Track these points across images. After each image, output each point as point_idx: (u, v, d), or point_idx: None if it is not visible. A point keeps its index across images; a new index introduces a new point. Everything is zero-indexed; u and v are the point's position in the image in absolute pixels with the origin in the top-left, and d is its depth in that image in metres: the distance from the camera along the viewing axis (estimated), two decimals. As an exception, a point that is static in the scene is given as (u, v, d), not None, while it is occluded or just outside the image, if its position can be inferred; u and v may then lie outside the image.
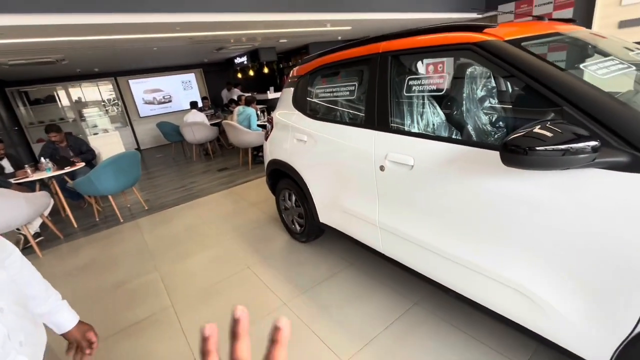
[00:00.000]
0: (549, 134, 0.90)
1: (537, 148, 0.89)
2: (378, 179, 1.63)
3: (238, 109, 5.30)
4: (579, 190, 0.96)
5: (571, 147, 0.87)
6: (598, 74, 1.13)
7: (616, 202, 0.90)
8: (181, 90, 9.36)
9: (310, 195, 2.22)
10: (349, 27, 5.55)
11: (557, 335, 1.12)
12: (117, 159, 3.54)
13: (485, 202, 1.19)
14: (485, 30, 1.28)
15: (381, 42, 1.65)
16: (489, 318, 1.36)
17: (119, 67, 7.50)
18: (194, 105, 6.69)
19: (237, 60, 8.65)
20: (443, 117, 1.54)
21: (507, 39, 1.22)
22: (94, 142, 5.42)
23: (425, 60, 1.56)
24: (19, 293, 0.78)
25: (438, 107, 1.55)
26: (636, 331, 0.92)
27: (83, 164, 3.99)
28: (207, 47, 6.28)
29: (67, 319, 0.93)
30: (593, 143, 0.88)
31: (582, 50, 1.42)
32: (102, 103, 8.48)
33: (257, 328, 1.81)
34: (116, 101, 8.55)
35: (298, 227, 2.62)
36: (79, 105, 8.20)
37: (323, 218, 2.20)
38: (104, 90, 8.45)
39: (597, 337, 1.01)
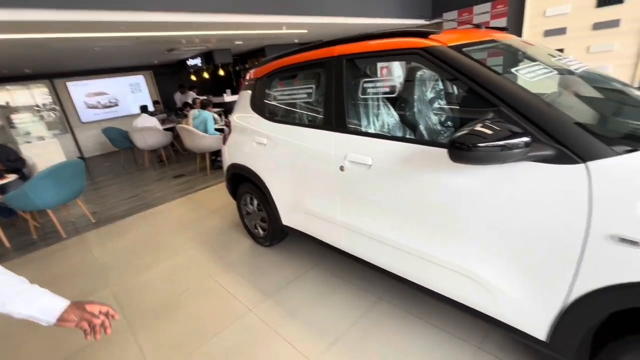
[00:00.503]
0: (489, 131, 0.99)
1: (479, 145, 0.97)
2: (338, 179, 1.67)
3: (193, 112, 5.09)
4: (515, 181, 1.07)
5: (508, 143, 0.97)
6: (527, 77, 1.26)
7: (545, 189, 1.01)
8: (129, 94, 8.77)
9: (272, 198, 2.20)
10: (305, 30, 5.59)
11: (504, 315, 1.23)
12: (57, 168, 3.23)
13: (436, 197, 1.28)
14: (431, 36, 1.37)
15: (336, 46, 1.69)
16: (446, 305, 1.45)
17: (55, 68, 6.82)
18: (144, 109, 6.31)
19: (191, 62, 8.32)
20: (397, 117, 1.62)
21: (450, 44, 1.32)
22: (28, 151, 4.90)
23: (378, 64, 1.63)
24: None
25: (392, 109, 1.62)
26: (567, 304, 1.04)
27: (15, 176, 3.58)
28: (157, 48, 5.96)
29: (51, 301, 0.82)
30: (525, 139, 0.98)
31: (514, 56, 1.58)
32: (36, 108, 7.66)
33: (223, 338, 1.76)
34: (53, 106, 7.77)
35: (261, 232, 2.58)
36: (6, 111, 7.33)
37: (286, 220, 2.20)
38: (38, 93, 7.64)
39: (536, 312, 1.12)
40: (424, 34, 1.38)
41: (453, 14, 5.79)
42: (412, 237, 1.42)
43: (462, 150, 0.99)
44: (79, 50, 5.03)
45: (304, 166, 1.88)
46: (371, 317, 1.77)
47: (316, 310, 1.88)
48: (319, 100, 1.83)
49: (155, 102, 6.74)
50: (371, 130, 1.60)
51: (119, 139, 6.38)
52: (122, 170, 6.29)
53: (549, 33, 3.87)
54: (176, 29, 4.18)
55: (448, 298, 1.40)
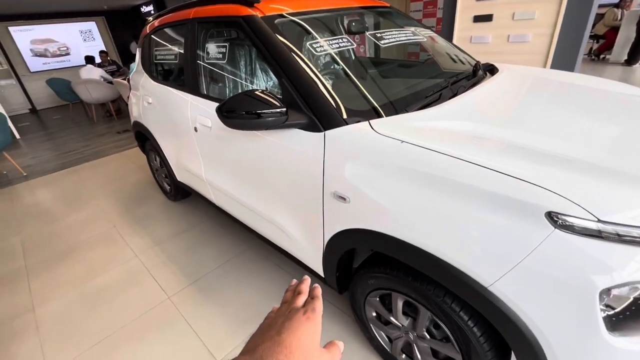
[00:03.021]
0: (250, 100, 1.13)
1: (235, 113, 1.12)
2: (196, 139, 1.81)
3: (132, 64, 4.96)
4: (286, 145, 1.24)
5: (263, 112, 1.12)
6: (331, 47, 1.37)
7: (303, 153, 1.19)
8: (81, 42, 8.30)
9: (164, 156, 2.34)
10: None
11: (301, 257, 1.47)
12: (-26, 121, 3.23)
13: (248, 158, 1.45)
14: (256, 4, 1.44)
15: (192, 8, 1.74)
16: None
17: (-10, 10, 6.35)
18: (89, 59, 6.07)
19: (144, 9, 7.83)
20: (232, 82, 1.73)
21: (266, 14, 1.40)
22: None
23: (217, 29, 1.69)
24: None
25: (229, 74, 1.72)
26: (324, 246, 1.28)
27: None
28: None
29: None
30: (281, 110, 1.13)
31: (342, 26, 1.67)
32: (-23, 54, 7.22)
33: (106, 277, 2.00)
34: (-5, 52, 7.33)
35: (167, 187, 2.75)
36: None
37: (179, 177, 2.36)
38: (-23, 38, 7.16)
39: (314, 253, 1.36)
40: (249, 3, 1.44)
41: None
42: (245, 193, 1.62)
43: (225, 118, 1.14)
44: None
45: (174, 127, 2.00)
46: (236, 263, 2.03)
47: (191, 258, 2.12)
48: (181, 62, 1.90)
49: (102, 52, 6.44)
50: (213, 94, 1.71)
51: (66, 92, 6.19)
52: (70, 123, 6.20)
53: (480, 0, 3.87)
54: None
55: (275, 244, 1.64)
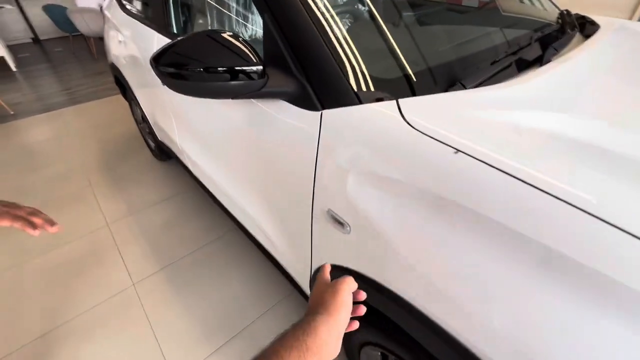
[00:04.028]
0: (211, 47, 0.69)
1: (184, 67, 0.69)
2: (166, 94, 1.38)
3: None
4: (269, 121, 0.82)
5: (225, 71, 0.68)
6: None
7: (293, 136, 0.77)
8: (83, -36, 7.45)
9: (142, 108, 1.94)
10: None
11: (287, 268, 1.13)
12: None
13: (223, 127, 1.04)
14: None
15: None
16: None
17: None
18: (86, -16, 5.41)
19: None
20: (205, 18, 1.24)
21: None
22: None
23: None
24: None
25: (209, 12, 1.23)
26: (313, 270, 0.91)
27: None
28: None
29: None
30: (256, 68, 0.69)
31: None
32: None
33: (70, 248, 1.74)
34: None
35: (152, 144, 2.39)
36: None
37: (159, 136, 1.98)
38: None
39: (301, 268, 1.01)
40: None
41: None
42: (221, 175, 1.23)
43: (162, 74, 0.71)
44: None
45: (144, 75, 1.56)
46: (217, 246, 1.72)
47: (167, 234, 1.81)
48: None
49: (103, -22, 5.70)
50: (181, 33, 1.25)
51: (65, 22, 5.64)
52: (71, 58, 5.76)
53: None
54: None
55: (257, 241, 1.29)
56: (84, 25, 5.09)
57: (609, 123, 0.59)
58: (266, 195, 0.97)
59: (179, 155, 1.70)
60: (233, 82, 0.68)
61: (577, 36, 1.07)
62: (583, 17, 1.23)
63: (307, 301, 1.13)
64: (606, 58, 0.88)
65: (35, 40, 7.48)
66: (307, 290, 1.06)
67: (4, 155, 2.68)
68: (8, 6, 6.94)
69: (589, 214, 0.40)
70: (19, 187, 2.26)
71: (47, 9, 5.68)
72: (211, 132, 1.14)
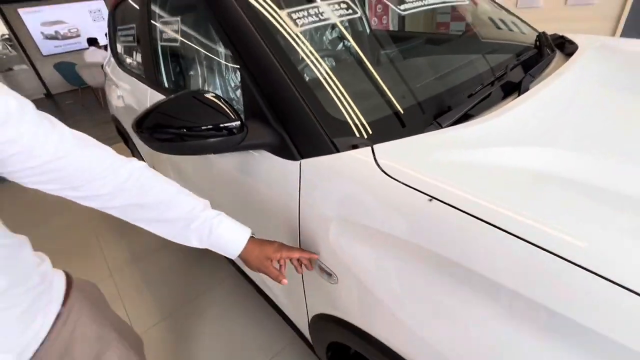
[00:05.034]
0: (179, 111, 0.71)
1: (164, 129, 0.71)
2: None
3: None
4: (252, 170, 0.83)
5: (202, 131, 0.70)
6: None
7: (272, 187, 0.77)
8: (90, 22, 8.03)
9: (142, 157, 1.99)
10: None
11: (285, 309, 1.09)
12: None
13: (222, 179, 1.05)
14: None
15: (145, -29, 1.30)
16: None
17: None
18: (92, 42, 5.78)
19: (151, -16, 7.38)
20: (192, 72, 1.30)
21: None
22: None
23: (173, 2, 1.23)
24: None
25: (188, 60, 1.29)
26: (310, 317, 0.88)
27: None
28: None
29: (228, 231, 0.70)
30: (234, 124, 0.70)
31: None
32: (-9, 39, 7.15)
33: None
34: (6, 36, 7.22)
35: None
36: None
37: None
38: (-11, 22, 7.05)
39: (298, 311, 0.98)
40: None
41: None
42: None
43: (143, 135, 0.73)
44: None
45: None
46: (218, 293, 1.69)
47: (167, 284, 1.79)
48: (139, 45, 1.49)
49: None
50: (172, 88, 1.30)
51: (73, 76, 5.99)
52: (80, 109, 6.05)
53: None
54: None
55: (254, 283, 1.26)
56: (91, 78, 5.38)
57: (593, 156, 0.58)
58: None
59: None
60: (212, 139, 0.70)
61: (559, 55, 1.08)
62: (562, 37, 1.25)
63: (310, 349, 1.09)
64: (585, 82, 0.87)
65: (48, 95, 7.92)
66: (309, 337, 1.02)
67: (16, 209, 2.76)
68: (24, 66, 7.43)
69: (572, 262, 0.38)
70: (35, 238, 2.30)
71: (58, 66, 6.06)
72: (204, 181, 1.15)
